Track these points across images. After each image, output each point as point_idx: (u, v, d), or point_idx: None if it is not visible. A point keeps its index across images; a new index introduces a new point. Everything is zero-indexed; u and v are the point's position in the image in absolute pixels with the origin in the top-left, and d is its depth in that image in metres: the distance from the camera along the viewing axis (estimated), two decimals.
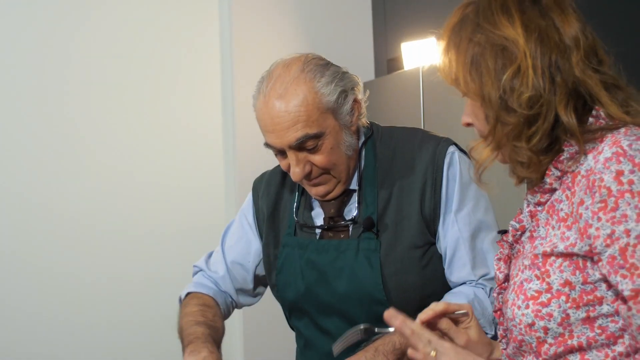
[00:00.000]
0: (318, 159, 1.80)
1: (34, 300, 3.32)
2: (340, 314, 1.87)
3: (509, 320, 1.36)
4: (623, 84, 1.33)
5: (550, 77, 1.28)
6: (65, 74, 3.42)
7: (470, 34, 1.34)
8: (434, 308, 1.44)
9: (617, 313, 1.27)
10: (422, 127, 3.33)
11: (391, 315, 1.39)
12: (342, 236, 1.88)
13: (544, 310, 1.30)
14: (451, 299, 1.80)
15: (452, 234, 1.81)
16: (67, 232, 3.37)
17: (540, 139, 1.31)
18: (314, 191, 1.87)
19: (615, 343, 1.28)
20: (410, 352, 1.35)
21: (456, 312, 1.46)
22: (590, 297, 1.28)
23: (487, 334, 1.55)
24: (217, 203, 3.51)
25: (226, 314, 2.06)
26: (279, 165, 1.92)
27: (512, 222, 1.44)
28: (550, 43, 1.29)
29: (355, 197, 1.88)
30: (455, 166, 1.83)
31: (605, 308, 1.28)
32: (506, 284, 1.44)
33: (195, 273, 2.12)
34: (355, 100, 1.85)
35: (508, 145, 1.33)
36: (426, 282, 1.80)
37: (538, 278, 1.32)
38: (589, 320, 1.28)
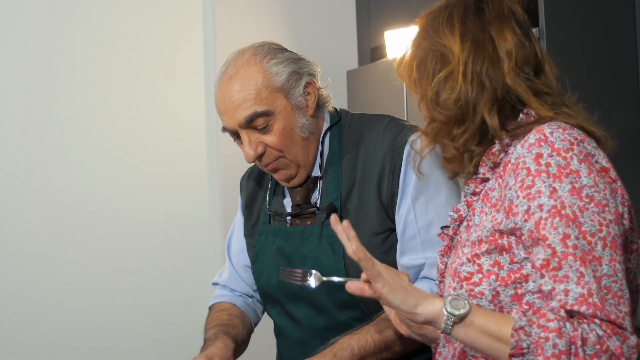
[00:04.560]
0: (270, 139, 1.81)
1: (19, 287, 3.32)
2: (307, 301, 1.87)
3: None
4: (556, 91, 1.47)
5: (479, 82, 1.44)
6: (50, 67, 3.41)
7: (420, 41, 1.51)
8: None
9: None
10: (406, 116, 3.34)
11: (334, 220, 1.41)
12: (308, 223, 1.89)
13: (476, 289, 1.40)
14: None
15: (408, 221, 1.80)
16: (50, 220, 3.36)
17: (467, 138, 1.46)
18: (276, 176, 1.89)
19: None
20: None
21: None
22: (518, 275, 1.38)
23: None
24: (201, 192, 3.51)
25: (251, 313, 2.07)
26: None
27: (451, 213, 1.56)
28: (483, 53, 1.44)
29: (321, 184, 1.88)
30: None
31: (531, 285, 1.37)
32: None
33: (215, 289, 2.15)
34: (310, 84, 1.86)
35: (438, 142, 1.50)
36: None
37: (470, 261, 1.42)
38: (517, 297, 1.38)
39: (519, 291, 1.38)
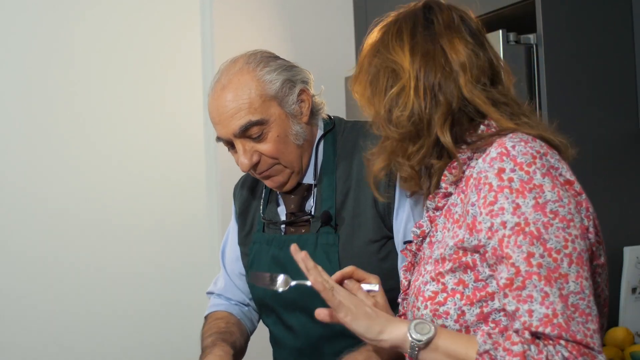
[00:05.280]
0: (265, 148, 1.80)
1: (19, 290, 3.32)
2: (303, 309, 1.85)
3: None
4: (513, 99, 1.44)
5: (432, 96, 1.39)
6: (48, 69, 3.40)
7: (371, 58, 1.48)
8: (342, 270, 1.49)
9: None
10: None
11: (295, 250, 1.41)
12: (303, 231, 1.87)
13: (441, 309, 1.36)
14: None
15: (408, 229, 1.78)
16: (46, 223, 3.35)
17: (424, 155, 1.42)
18: (268, 183, 1.87)
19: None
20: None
21: (366, 287, 1.49)
22: (483, 293, 1.34)
23: None
24: (199, 195, 3.51)
25: (247, 322, 2.06)
26: None
27: (413, 229, 1.52)
28: (435, 65, 1.40)
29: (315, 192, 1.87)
30: None
31: (496, 303, 1.34)
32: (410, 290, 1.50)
33: (210, 298, 2.14)
34: (304, 92, 1.85)
35: (392, 160, 1.46)
36: (385, 277, 1.73)
37: (434, 280, 1.39)
38: (483, 316, 1.34)
39: (485, 309, 1.34)
